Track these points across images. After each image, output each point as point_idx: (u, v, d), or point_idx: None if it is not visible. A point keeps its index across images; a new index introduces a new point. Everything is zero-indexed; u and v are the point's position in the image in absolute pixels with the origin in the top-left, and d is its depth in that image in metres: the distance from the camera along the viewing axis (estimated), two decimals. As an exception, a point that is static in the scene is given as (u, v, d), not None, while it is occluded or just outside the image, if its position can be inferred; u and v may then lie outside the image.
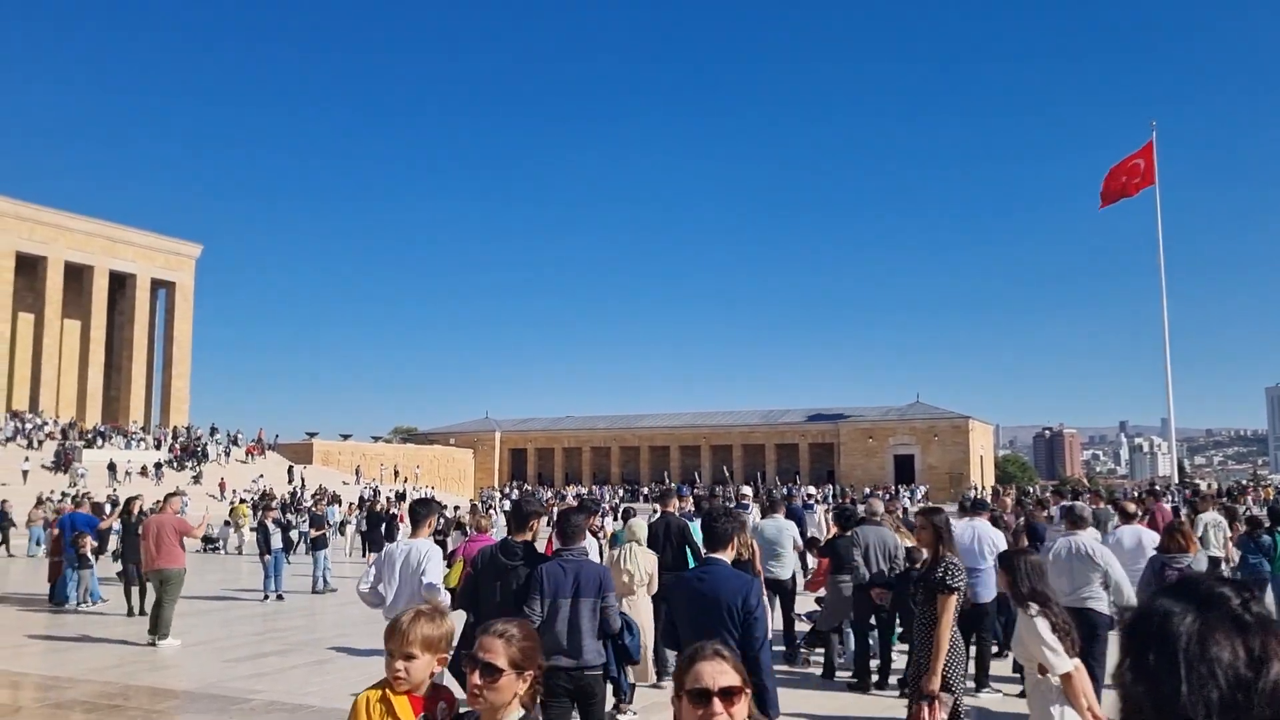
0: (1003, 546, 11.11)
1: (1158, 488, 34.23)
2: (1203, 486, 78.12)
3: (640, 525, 10.23)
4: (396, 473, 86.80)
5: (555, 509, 19.26)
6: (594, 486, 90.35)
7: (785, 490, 59.03)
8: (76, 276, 74.54)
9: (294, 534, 24.42)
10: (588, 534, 8.50)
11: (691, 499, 23.26)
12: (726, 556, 5.80)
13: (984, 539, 11.02)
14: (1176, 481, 52.04)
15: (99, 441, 63.54)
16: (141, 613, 16.85)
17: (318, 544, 22.32)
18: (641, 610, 9.09)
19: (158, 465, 61.59)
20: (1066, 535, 9.52)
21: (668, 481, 78.02)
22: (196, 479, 59.80)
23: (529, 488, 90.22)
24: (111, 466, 57.32)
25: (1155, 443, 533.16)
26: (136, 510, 20.22)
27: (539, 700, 3.16)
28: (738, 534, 6.18)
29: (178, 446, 67.10)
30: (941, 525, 6.79)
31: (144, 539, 14.94)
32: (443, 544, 14.32)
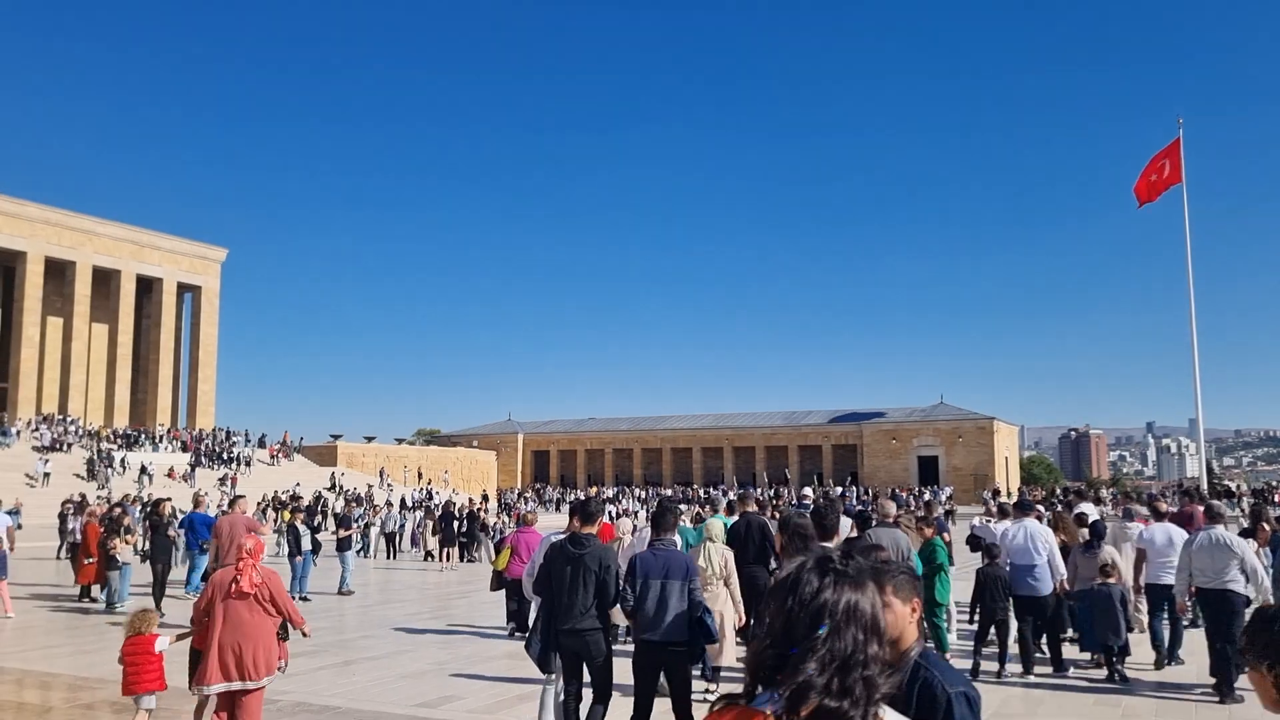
0: (1053, 544, 12.21)
1: (1188, 488, 33.85)
2: (1232, 487, 77.30)
3: (716, 524, 10.57)
4: (420, 474, 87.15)
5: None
6: (610, 487, 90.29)
7: (839, 492, 59.14)
8: (104, 281, 75.30)
9: (319, 536, 24.73)
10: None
11: (755, 501, 23.76)
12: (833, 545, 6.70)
13: (1035, 537, 11.98)
14: (1205, 483, 51.47)
15: (129, 445, 64.18)
16: (159, 612, 17.08)
17: (343, 545, 22.51)
18: (719, 599, 9.61)
19: (190, 467, 62.16)
20: (1207, 528, 10.72)
21: (691, 486, 77.89)
22: (222, 481, 60.25)
23: (548, 487, 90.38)
24: (143, 469, 57.92)
25: (1183, 443, 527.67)
26: (167, 512, 20.54)
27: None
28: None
29: (202, 450, 67.63)
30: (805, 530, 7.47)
31: (217, 537, 15.84)
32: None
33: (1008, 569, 12.00)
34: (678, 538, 8.72)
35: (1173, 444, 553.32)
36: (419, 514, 37.55)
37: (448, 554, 29.84)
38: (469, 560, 30.97)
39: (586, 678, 7.58)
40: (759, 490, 63.88)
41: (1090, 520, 13.86)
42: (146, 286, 78.62)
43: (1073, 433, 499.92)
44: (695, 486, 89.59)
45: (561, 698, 7.79)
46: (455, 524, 30.44)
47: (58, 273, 72.42)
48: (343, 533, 23.21)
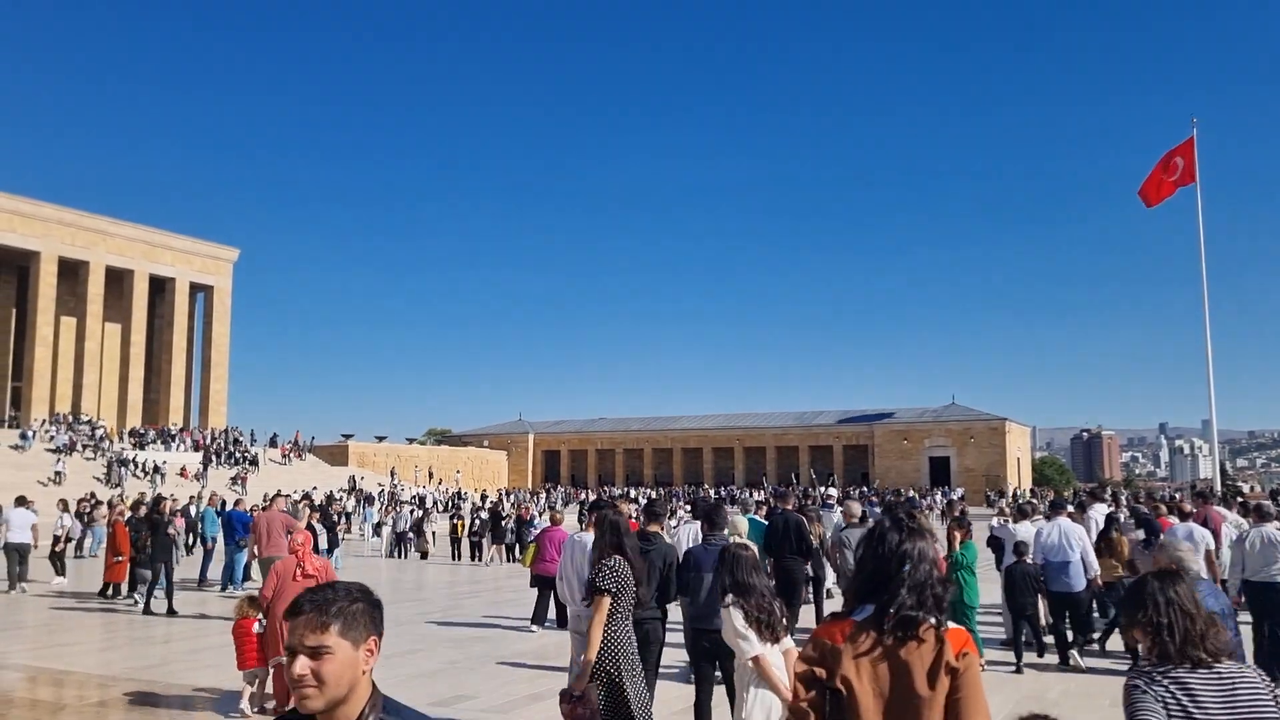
0: (1086, 541, 12.80)
1: (1202, 490, 33.68)
2: (1245, 489, 76.89)
3: (742, 522, 11.06)
4: (431, 474, 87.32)
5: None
6: (615, 487, 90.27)
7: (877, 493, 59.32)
8: (117, 281, 75.63)
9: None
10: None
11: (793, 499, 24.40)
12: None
13: (1069, 534, 12.50)
14: (1219, 484, 51.18)
15: (141, 445, 64.48)
16: (173, 612, 17.25)
17: (331, 545, 23.22)
18: None
19: (202, 466, 62.41)
20: (1256, 526, 11.52)
21: (701, 485, 77.59)
22: (234, 480, 60.44)
23: (561, 487, 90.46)
24: (156, 468, 58.18)
25: (1196, 444, 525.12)
26: (167, 510, 20.77)
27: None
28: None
29: (213, 449, 67.85)
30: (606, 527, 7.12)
31: (254, 530, 17.48)
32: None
33: (1040, 565, 12.48)
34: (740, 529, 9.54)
35: (1185, 445, 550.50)
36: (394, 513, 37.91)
37: (494, 553, 30.98)
38: (514, 560, 31.55)
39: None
40: (794, 489, 64.61)
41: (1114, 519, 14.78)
42: (159, 286, 78.94)
43: (1085, 434, 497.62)
44: (706, 487, 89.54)
45: None
46: (504, 524, 31.81)
47: (71, 273, 72.76)
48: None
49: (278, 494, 20.24)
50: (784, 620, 6.04)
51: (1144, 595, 3.57)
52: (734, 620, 5.90)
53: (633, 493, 70.97)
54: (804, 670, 3.23)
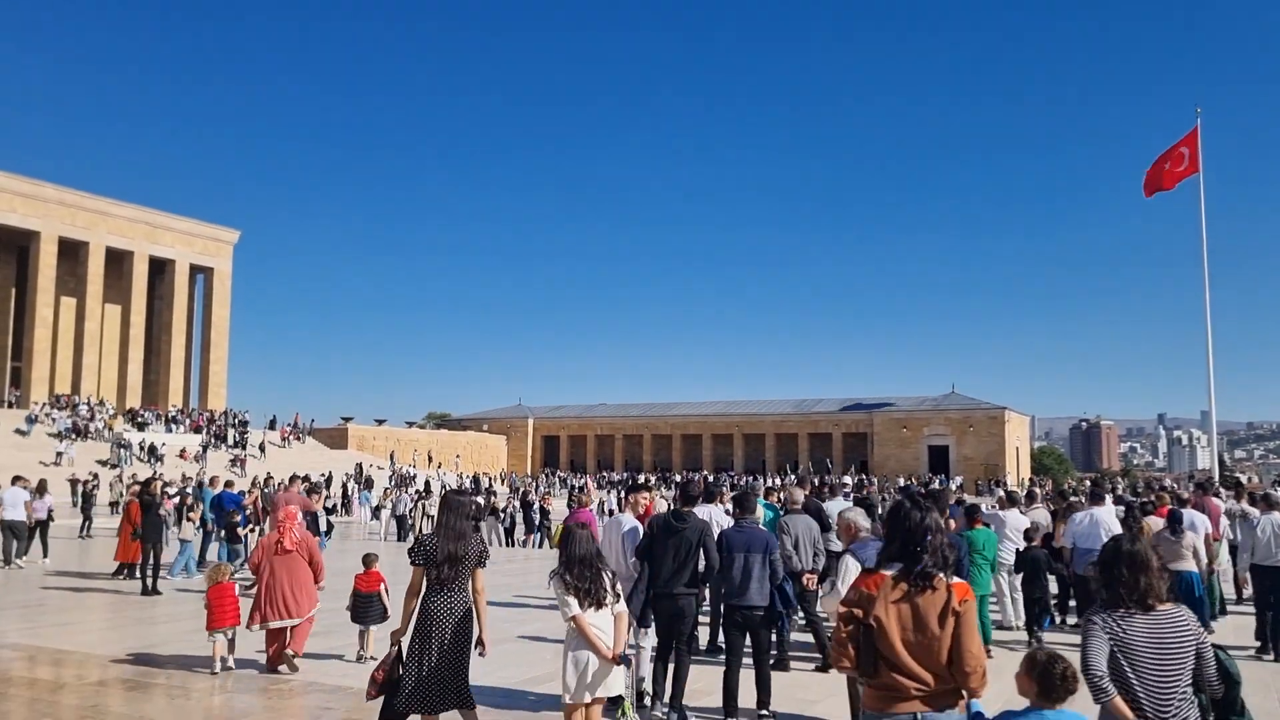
0: (1117, 529, 12.85)
1: (1200, 481, 33.68)
2: (1242, 480, 76.94)
3: (759, 508, 11.51)
4: (430, 458, 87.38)
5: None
6: (614, 472, 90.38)
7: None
8: (117, 262, 75.49)
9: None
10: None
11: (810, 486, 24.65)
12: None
13: (1101, 523, 13.13)
14: (1217, 475, 51.21)
15: (140, 427, 64.47)
16: (155, 591, 17.32)
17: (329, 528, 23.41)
18: None
19: (202, 448, 62.45)
20: (1267, 514, 12.31)
21: (724, 472, 77.66)
22: (233, 462, 60.48)
23: (566, 475, 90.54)
24: (153, 449, 58.20)
25: (1194, 435, 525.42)
26: (158, 491, 20.85)
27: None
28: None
29: (212, 430, 67.85)
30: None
31: (272, 513, 17.06)
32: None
33: (1070, 550, 13.24)
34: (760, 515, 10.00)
35: (1184, 436, 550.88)
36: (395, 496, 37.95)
37: (526, 539, 32.52)
38: (541, 546, 31.95)
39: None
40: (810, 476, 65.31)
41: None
42: (159, 268, 78.80)
43: (1084, 424, 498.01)
44: (705, 473, 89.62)
45: (652, 654, 8.86)
46: (534, 511, 33.08)
47: (71, 253, 72.62)
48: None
49: (295, 476, 21.84)
50: (611, 589, 6.81)
51: (1118, 558, 4.72)
52: (554, 590, 6.85)
53: (653, 479, 70.98)
54: (845, 611, 4.51)
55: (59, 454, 53.17)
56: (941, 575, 4.39)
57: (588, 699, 6.64)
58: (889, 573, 4.47)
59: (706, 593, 9.47)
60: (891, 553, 4.56)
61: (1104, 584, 4.72)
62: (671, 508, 9.70)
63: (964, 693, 4.31)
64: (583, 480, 78.29)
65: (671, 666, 8.51)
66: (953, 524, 12.75)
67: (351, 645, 11.77)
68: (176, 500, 22.67)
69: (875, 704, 4.40)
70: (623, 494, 10.26)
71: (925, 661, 4.28)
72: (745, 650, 8.70)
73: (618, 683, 6.78)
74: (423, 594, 7.14)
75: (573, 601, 6.66)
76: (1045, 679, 4.30)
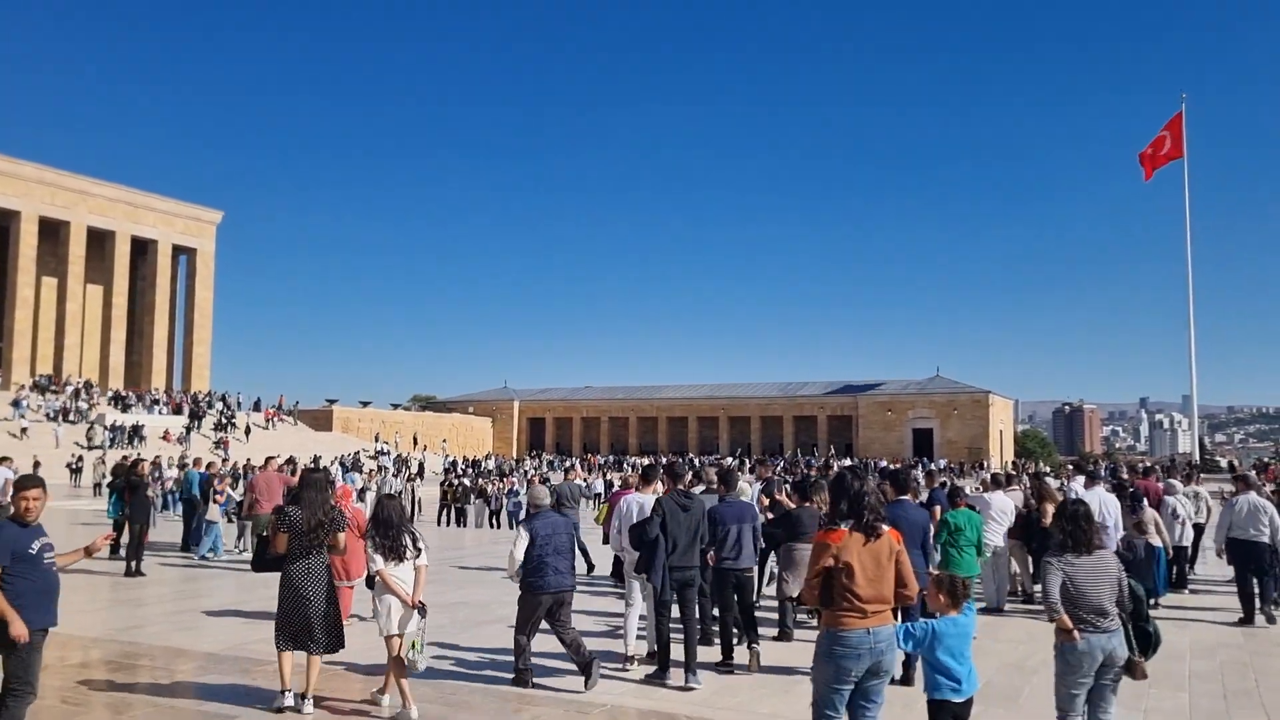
0: (1118, 513, 13.90)
1: (1178, 463, 33.93)
2: (1222, 463, 77.47)
3: (745, 487, 12.88)
4: (415, 440, 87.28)
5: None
6: (599, 455, 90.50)
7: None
8: (99, 242, 74.89)
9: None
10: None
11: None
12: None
13: (1105, 503, 13.68)
14: (1198, 458, 51.69)
15: (124, 408, 64.08)
16: (139, 573, 17.29)
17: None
18: None
19: (185, 430, 62.18)
20: (1244, 494, 13.36)
21: (725, 452, 77.50)
22: (217, 444, 60.25)
23: (563, 458, 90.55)
24: (136, 430, 57.93)
25: (1176, 419, 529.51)
26: (145, 472, 20.86)
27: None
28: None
29: (197, 412, 67.53)
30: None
31: (251, 490, 19.14)
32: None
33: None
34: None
35: (1166, 420, 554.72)
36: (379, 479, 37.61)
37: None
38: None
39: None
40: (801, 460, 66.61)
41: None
42: (141, 248, 78.23)
43: (1066, 407, 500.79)
44: (690, 455, 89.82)
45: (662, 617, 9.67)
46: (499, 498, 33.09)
47: (52, 233, 71.99)
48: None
49: (271, 456, 22.58)
50: (412, 545, 8.14)
51: (1074, 516, 6.53)
52: (365, 548, 8.36)
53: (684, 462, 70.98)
54: (819, 556, 5.81)
55: (54, 435, 52.97)
56: (884, 526, 5.89)
57: (395, 630, 7.97)
58: (846, 527, 5.84)
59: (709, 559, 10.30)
60: (840, 512, 6.01)
61: (1059, 532, 6.56)
62: (667, 490, 10.49)
63: (896, 612, 6.28)
64: (569, 462, 78.36)
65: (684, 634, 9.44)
66: (936, 511, 12.73)
67: (349, 623, 11.73)
68: (196, 480, 22.79)
69: (837, 623, 5.74)
70: (642, 476, 11.51)
71: (880, 590, 5.79)
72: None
73: (414, 623, 7.96)
74: (289, 558, 8.17)
75: (379, 558, 8.03)
76: (953, 592, 6.01)
